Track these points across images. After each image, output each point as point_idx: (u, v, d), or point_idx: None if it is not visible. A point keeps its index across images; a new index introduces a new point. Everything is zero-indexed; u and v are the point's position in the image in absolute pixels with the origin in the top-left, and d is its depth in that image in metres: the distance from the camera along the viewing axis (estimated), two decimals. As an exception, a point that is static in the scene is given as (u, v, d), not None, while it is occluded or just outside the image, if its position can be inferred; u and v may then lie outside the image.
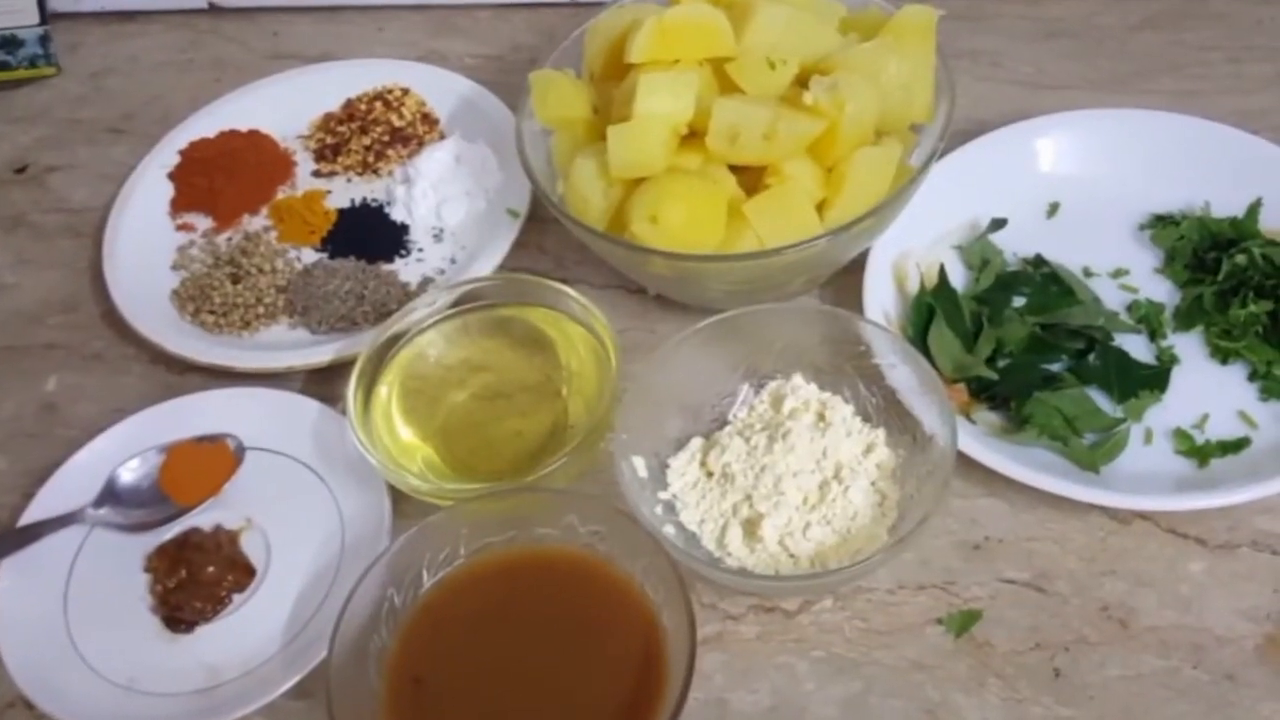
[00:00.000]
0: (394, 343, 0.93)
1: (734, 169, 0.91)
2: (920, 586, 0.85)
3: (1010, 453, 0.85)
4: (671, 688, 0.75)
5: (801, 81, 0.90)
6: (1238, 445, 0.86)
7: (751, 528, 0.84)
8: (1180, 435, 0.87)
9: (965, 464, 0.85)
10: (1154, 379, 0.90)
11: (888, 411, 0.88)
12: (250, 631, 0.85)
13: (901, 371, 0.86)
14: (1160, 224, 0.98)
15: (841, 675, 0.81)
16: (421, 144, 1.13)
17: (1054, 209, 1.01)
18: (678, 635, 0.77)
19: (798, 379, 0.90)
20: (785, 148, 0.88)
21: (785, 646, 0.83)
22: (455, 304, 0.95)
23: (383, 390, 0.91)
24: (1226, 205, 0.98)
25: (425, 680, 0.79)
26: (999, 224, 0.98)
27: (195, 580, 0.87)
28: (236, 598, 0.87)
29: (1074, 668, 0.80)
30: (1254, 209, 0.96)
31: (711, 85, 0.90)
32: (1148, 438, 0.88)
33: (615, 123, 0.89)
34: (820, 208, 0.89)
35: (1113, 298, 0.95)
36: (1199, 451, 0.86)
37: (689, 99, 0.89)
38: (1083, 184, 1.01)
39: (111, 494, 0.91)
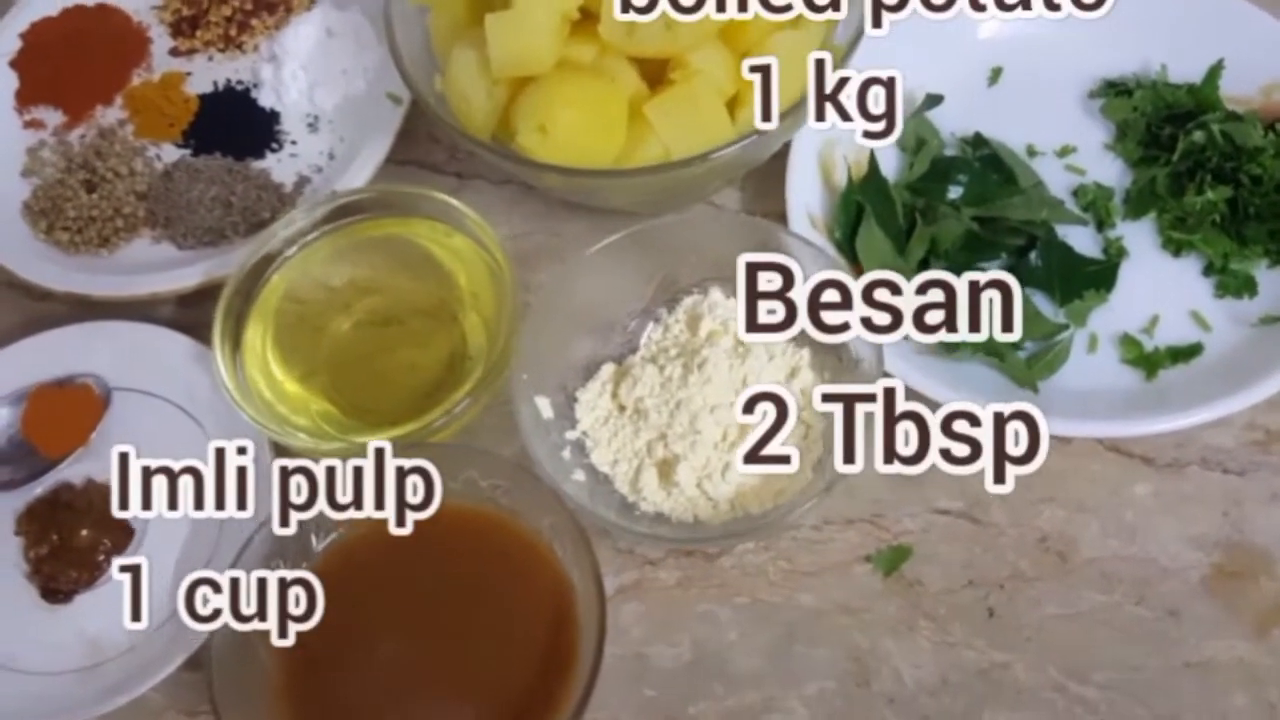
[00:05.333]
0: (261, 271, 0.84)
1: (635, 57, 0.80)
2: (848, 521, 0.79)
3: (942, 373, 0.78)
4: (584, 652, 0.70)
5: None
6: (1189, 352, 0.80)
7: (667, 469, 0.77)
8: (1127, 342, 0.81)
9: (896, 384, 0.78)
10: (1100, 276, 0.82)
11: (813, 329, 0.80)
12: (133, 599, 0.80)
13: (827, 287, 0.79)
14: (1112, 91, 0.88)
15: (766, 623, 0.77)
16: (289, 10, 0.99)
17: (996, 75, 0.91)
18: (587, 598, 0.72)
19: (716, 294, 0.82)
20: (689, 38, 0.77)
21: (707, 594, 0.78)
22: (329, 218, 0.85)
23: (255, 333, 0.82)
24: (1186, 68, 0.88)
25: (319, 656, 0.74)
26: (934, 100, 0.88)
27: (68, 547, 0.80)
28: (115, 561, 0.81)
29: (1009, 607, 0.76)
30: (1214, 72, 0.86)
31: (604, -41, 0.79)
32: (1092, 345, 0.81)
33: (495, 9, 0.78)
34: (732, 104, 0.79)
35: (1058, 181, 0.86)
36: (1147, 360, 0.80)
37: (579, -21, 0.78)
38: (1028, 44, 0.90)
39: (-29, 452, 0.84)
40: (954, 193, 0.85)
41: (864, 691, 0.75)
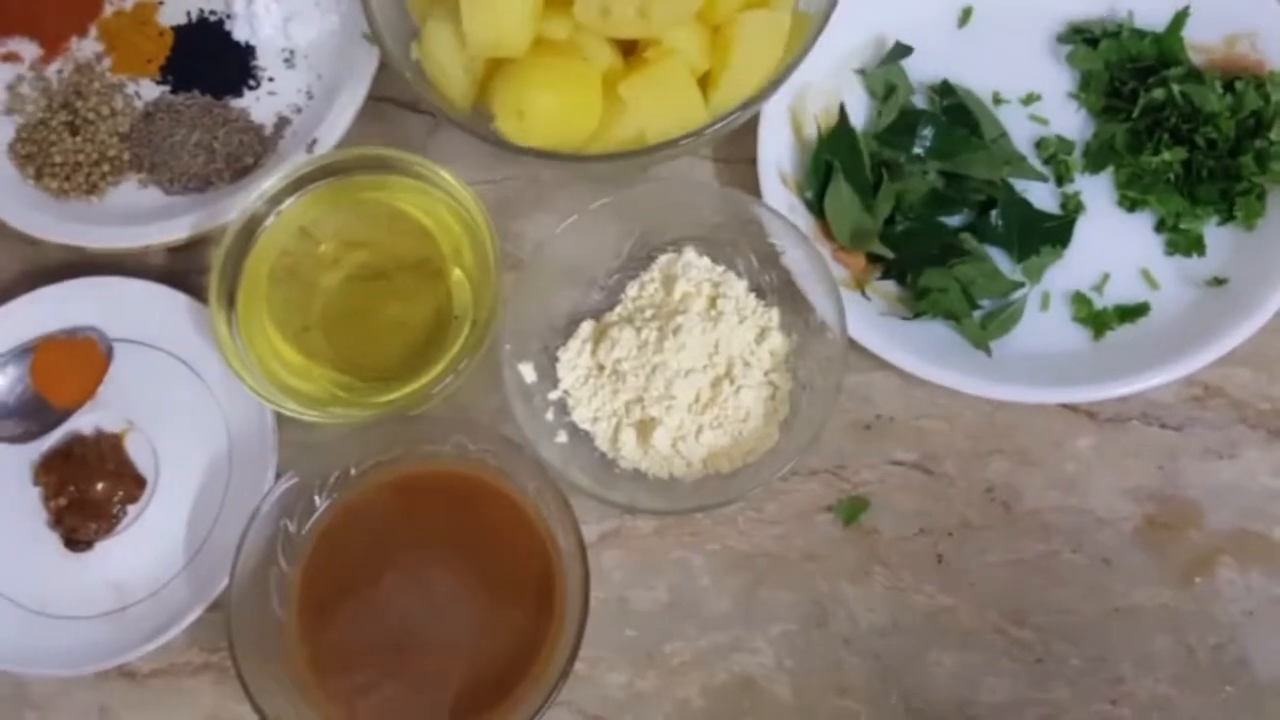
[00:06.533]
0: (249, 234, 0.85)
1: (610, 35, 0.81)
2: (812, 472, 0.85)
3: (902, 335, 0.83)
4: (571, 606, 0.77)
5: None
6: (1136, 312, 0.84)
7: (645, 431, 0.83)
8: (1078, 299, 0.85)
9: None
10: (1056, 232, 0.86)
11: (782, 291, 0.84)
12: (151, 545, 0.85)
13: (794, 255, 0.82)
14: (1079, 38, 0.89)
15: (735, 569, 0.84)
16: (259, -71, 0.98)
17: (967, 15, 0.91)
18: (571, 556, 0.78)
19: (690, 254, 0.85)
20: (663, 22, 0.77)
21: (682, 541, 0.85)
22: (310, 178, 0.86)
23: (250, 296, 0.85)
24: (1153, 14, 0.88)
25: (329, 607, 0.81)
26: (904, 50, 0.89)
27: (85, 499, 0.86)
28: (131, 509, 0.86)
29: (956, 553, 0.83)
30: (1178, 21, 0.87)
31: (577, -67, 0.78)
32: (1045, 303, 0.85)
33: (470, -13, 0.78)
34: (704, 81, 0.80)
35: (1022, 131, 0.88)
36: (1096, 319, 0.84)
37: (552, -44, 0.77)
38: (997, -16, 0.91)
39: (-15, 406, 0.88)
40: (919, 148, 0.87)
41: (822, 632, 0.82)
